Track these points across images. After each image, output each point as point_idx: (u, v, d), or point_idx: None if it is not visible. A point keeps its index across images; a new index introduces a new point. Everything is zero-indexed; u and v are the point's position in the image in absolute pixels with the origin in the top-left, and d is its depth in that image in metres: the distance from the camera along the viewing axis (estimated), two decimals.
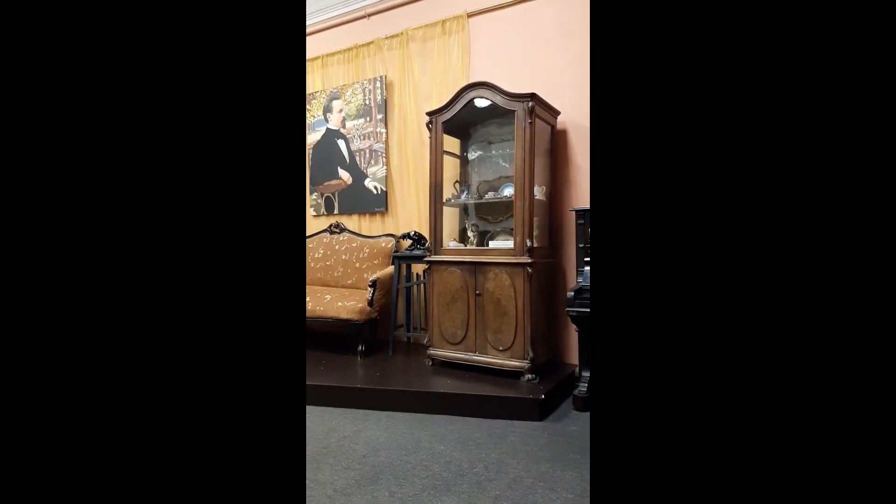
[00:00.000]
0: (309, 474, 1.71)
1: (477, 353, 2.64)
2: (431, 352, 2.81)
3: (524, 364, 2.48)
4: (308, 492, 1.59)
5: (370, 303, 3.02)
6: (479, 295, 2.62)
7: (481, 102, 2.74)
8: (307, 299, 3.13)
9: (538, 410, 2.23)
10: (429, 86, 3.45)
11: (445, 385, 2.45)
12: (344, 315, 3.00)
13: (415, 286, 3.32)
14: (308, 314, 3.11)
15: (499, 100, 2.62)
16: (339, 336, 3.59)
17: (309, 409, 2.41)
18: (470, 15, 3.28)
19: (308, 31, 4.07)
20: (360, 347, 3.06)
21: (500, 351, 2.56)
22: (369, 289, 3.05)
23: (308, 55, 4.05)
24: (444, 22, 3.35)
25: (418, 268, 3.35)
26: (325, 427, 2.17)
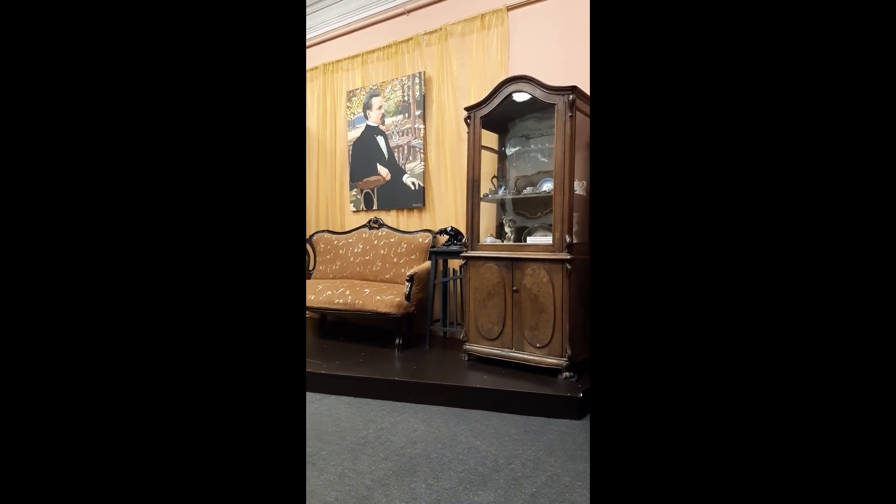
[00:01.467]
0: (347, 463, 1.75)
1: (514, 350, 2.63)
2: (468, 347, 2.81)
3: (562, 361, 2.45)
4: (347, 481, 1.63)
5: (407, 297, 3.06)
6: (515, 291, 2.60)
7: (520, 96, 2.70)
8: (347, 292, 3.20)
9: (576, 409, 2.19)
10: (467, 81, 3.44)
11: (482, 380, 2.45)
12: (382, 309, 3.04)
13: (451, 281, 3.33)
14: (348, 307, 3.18)
15: (538, 93, 2.58)
16: (377, 329, 3.65)
17: (347, 399, 2.46)
18: (510, 8, 3.25)
19: (347, 29, 4.14)
20: (397, 341, 3.10)
21: (538, 348, 2.54)
22: (406, 283, 3.09)
23: (348, 53, 4.12)
24: (483, 16, 3.33)
25: (455, 263, 3.36)
26: (363, 418, 2.21)
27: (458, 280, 3.27)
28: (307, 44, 4.45)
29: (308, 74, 4.38)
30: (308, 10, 4.34)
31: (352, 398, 2.48)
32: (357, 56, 4.04)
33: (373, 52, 3.94)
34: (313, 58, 4.40)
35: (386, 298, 3.05)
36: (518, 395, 2.29)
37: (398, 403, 2.41)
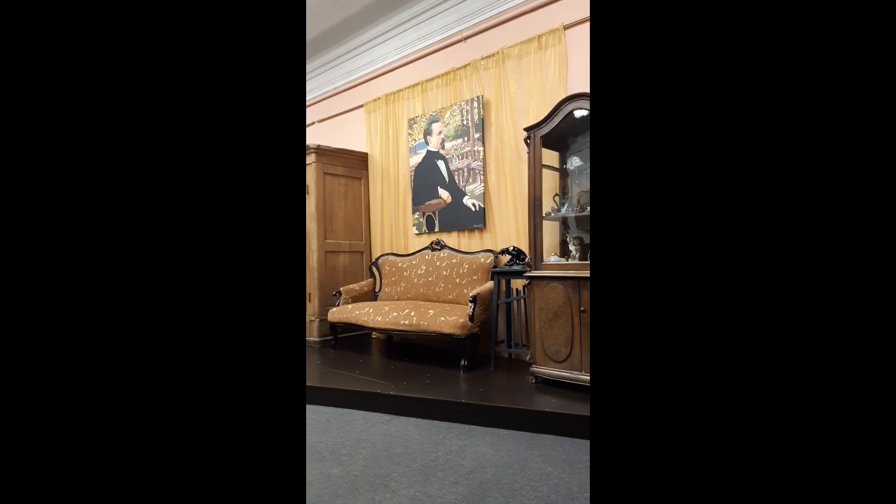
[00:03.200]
0: (419, 486, 1.76)
1: (583, 372, 2.54)
2: (534, 369, 2.75)
3: None
4: None
5: (471, 318, 3.06)
6: (583, 311, 2.53)
7: (580, 113, 2.67)
8: (412, 313, 3.26)
9: None
10: (525, 101, 3.46)
11: (551, 404, 2.38)
12: (446, 329, 3.07)
13: (515, 302, 3.30)
14: (413, 328, 3.23)
15: None
16: (441, 350, 3.67)
17: (415, 421, 2.48)
18: (566, 27, 3.25)
19: (406, 60, 4.32)
20: (462, 362, 3.10)
21: None
22: (470, 304, 3.09)
23: (408, 82, 4.29)
24: (539, 37, 3.35)
25: (518, 283, 3.33)
26: (432, 440, 2.22)
27: (522, 300, 3.23)
28: (369, 78, 4.69)
29: (371, 105, 4.60)
30: (368, 46, 4.59)
31: (420, 420, 2.50)
32: (417, 84, 4.19)
33: (431, 79, 4.07)
34: (375, 89, 4.62)
35: (450, 319, 3.08)
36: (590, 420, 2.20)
37: (466, 426, 2.39)
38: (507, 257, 3.36)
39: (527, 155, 2.90)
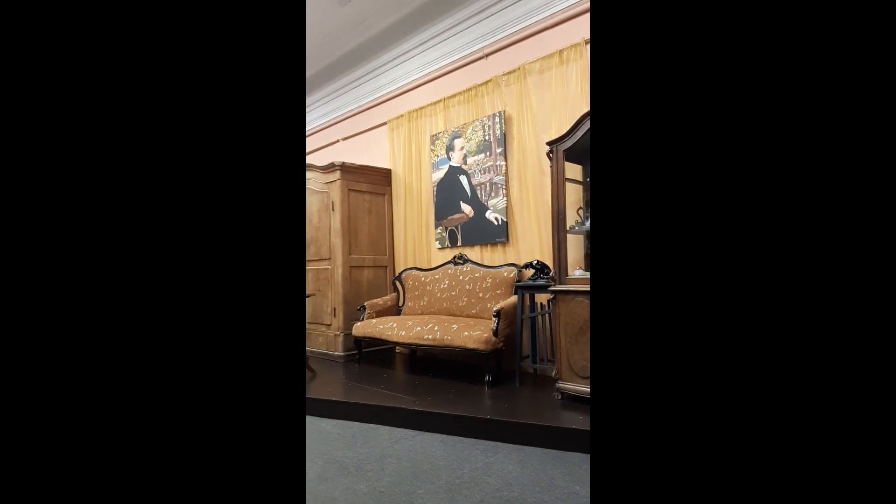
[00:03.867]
0: None
1: None
2: (560, 385, 2.71)
3: None
4: None
5: (495, 333, 3.04)
6: None
7: None
8: (436, 328, 3.26)
9: None
10: (547, 115, 3.47)
11: (578, 421, 2.34)
12: (470, 344, 3.05)
13: (539, 316, 3.27)
14: (437, 343, 3.23)
15: None
16: (465, 365, 3.65)
17: (440, 437, 2.47)
18: (588, 41, 3.26)
19: (429, 78, 4.39)
20: (486, 378, 3.08)
21: None
22: (493, 319, 3.08)
23: (430, 99, 4.35)
24: (561, 52, 3.37)
25: (542, 297, 3.30)
26: (457, 457, 2.20)
27: (547, 315, 3.19)
28: (392, 95, 4.78)
29: (394, 122, 4.68)
30: (392, 64, 4.69)
31: (444, 436, 2.49)
32: (439, 101, 4.25)
33: (454, 96, 4.13)
34: (398, 107, 4.70)
35: (474, 334, 3.06)
36: None
37: (491, 443, 2.36)
38: (530, 271, 3.34)
39: (549, 169, 2.90)
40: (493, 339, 3.04)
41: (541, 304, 3.33)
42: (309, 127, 5.89)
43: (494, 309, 3.11)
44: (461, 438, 2.43)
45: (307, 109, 5.83)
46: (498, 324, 3.06)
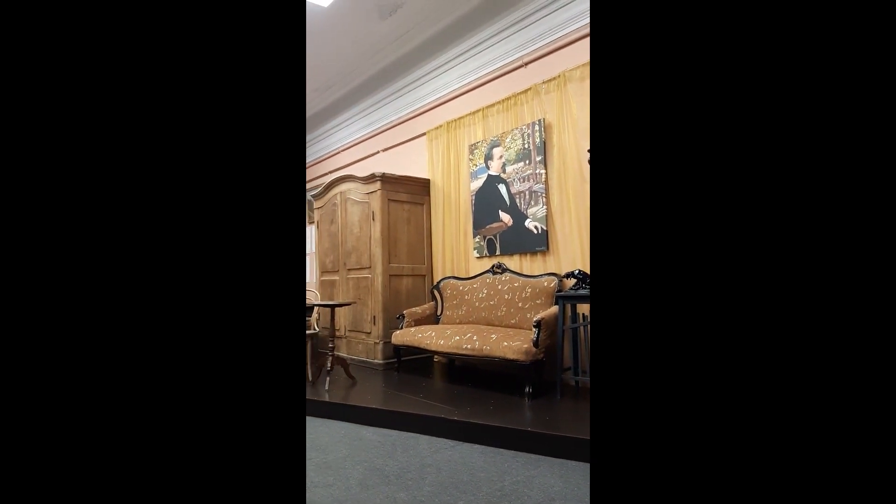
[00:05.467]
0: None
1: None
2: None
3: None
4: None
5: (535, 343, 2.99)
6: None
7: None
8: (475, 338, 3.24)
9: None
10: (588, 122, 3.41)
11: None
12: (510, 355, 3.02)
13: (581, 327, 3.19)
14: (476, 353, 3.21)
15: None
16: (505, 376, 3.61)
17: (480, 448, 2.44)
18: None
19: (467, 88, 4.42)
20: (527, 389, 3.02)
21: None
22: (534, 329, 3.03)
23: (469, 109, 4.38)
24: None
25: (584, 308, 3.22)
26: (497, 469, 2.17)
27: (589, 326, 3.11)
28: (431, 106, 4.84)
29: (433, 132, 4.74)
30: (431, 76, 4.75)
31: (484, 447, 2.45)
32: (478, 111, 4.26)
33: (492, 105, 4.13)
34: (437, 117, 4.76)
35: (514, 345, 3.02)
36: None
37: (532, 455, 2.31)
38: (571, 281, 3.27)
39: (590, 176, 2.84)
40: (534, 349, 2.99)
41: (583, 314, 3.25)
42: (350, 139, 6.05)
43: (535, 319, 3.06)
44: (501, 450, 2.40)
45: (347, 123, 6.00)
46: (538, 334, 3.01)
